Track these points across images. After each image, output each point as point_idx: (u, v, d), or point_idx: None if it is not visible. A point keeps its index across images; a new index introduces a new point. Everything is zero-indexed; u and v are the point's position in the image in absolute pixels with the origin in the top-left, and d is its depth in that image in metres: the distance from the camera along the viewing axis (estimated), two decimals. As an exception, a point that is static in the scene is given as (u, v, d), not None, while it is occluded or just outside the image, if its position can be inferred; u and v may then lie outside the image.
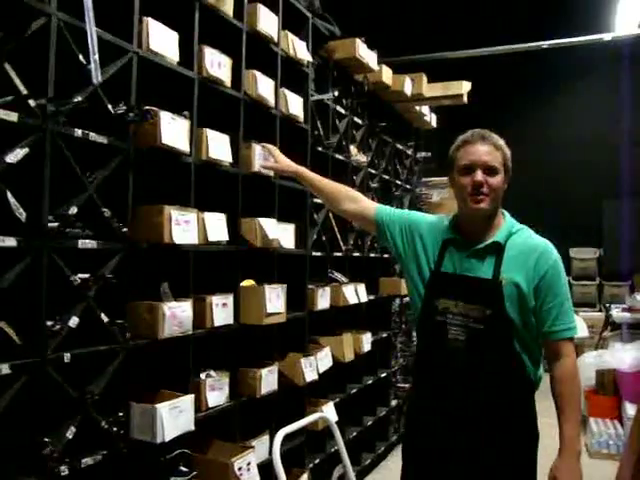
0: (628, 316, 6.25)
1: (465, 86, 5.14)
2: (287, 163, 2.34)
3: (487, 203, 1.87)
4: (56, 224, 1.90)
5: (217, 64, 2.68)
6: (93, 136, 2.04)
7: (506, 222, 1.95)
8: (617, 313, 6.49)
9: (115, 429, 2.09)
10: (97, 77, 1.92)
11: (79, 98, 1.93)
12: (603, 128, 9.44)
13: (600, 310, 8.48)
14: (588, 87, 9.72)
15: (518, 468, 1.90)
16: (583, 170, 9.40)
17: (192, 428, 2.38)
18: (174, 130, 2.33)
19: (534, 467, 1.92)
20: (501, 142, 1.92)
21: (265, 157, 2.74)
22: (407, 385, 5.29)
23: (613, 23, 8.05)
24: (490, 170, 1.87)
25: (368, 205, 2.22)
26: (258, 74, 2.95)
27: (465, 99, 5.19)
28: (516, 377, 1.89)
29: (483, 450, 1.86)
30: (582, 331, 7.77)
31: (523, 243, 1.91)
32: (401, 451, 2.08)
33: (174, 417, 2.26)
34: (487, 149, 1.88)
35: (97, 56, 1.90)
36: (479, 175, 1.86)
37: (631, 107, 9.16)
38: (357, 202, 2.23)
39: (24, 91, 1.79)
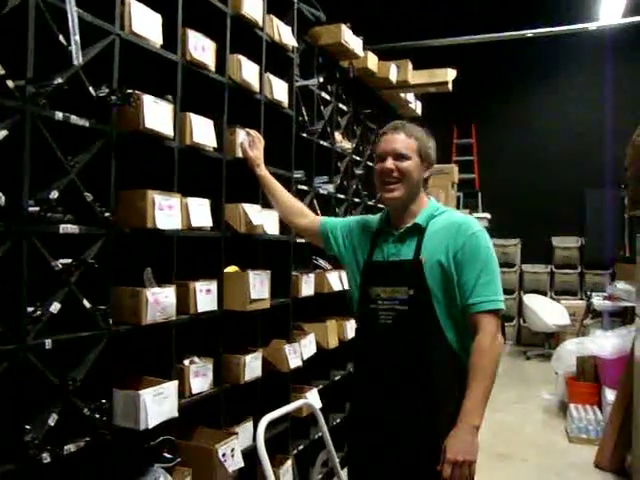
0: (609, 304, 6.33)
1: (450, 74, 5.14)
2: (259, 161, 2.60)
3: (400, 190, 1.98)
4: (37, 209, 1.87)
5: (201, 48, 2.64)
6: (74, 119, 2.00)
7: (429, 207, 2.03)
8: (598, 301, 6.57)
9: (98, 416, 2.07)
10: (78, 59, 1.89)
11: (59, 80, 1.89)
12: (587, 117, 9.51)
13: (582, 298, 8.59)
14: (573, 76, 9.77)
15: (436, 447, 1.86)
16: (566, 159, 9.47)
17: (176, 414, 2.37)
18: (157, 114, 2.30)
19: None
20: (417, 132, 2.02)
21: (246, 140, 2.79)
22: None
23: (597, 13, 8.08)
24: (400, 156, 1.97)
25: (314, 219, 2.42)
26: (243, 59, 2.92)
27: (450, 87, 5.19)
28: (441, 355, 1.92)
29: (407, 417, 1.93)
30: (563, 319, 7.88)
31: (444, 220, 1.98)
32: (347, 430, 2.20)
33: (158, 403, 2.25)
34: (398, 137, 1.99)
35: (78, 37, 1.86)
36: (388, 162, 1.98)
37: (614, 96, 9.23)
38: (306, 217, 2.44)
39: (2, 71, 1.74)
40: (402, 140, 1.98)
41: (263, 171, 2.61)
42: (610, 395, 4.79)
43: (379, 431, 2.00)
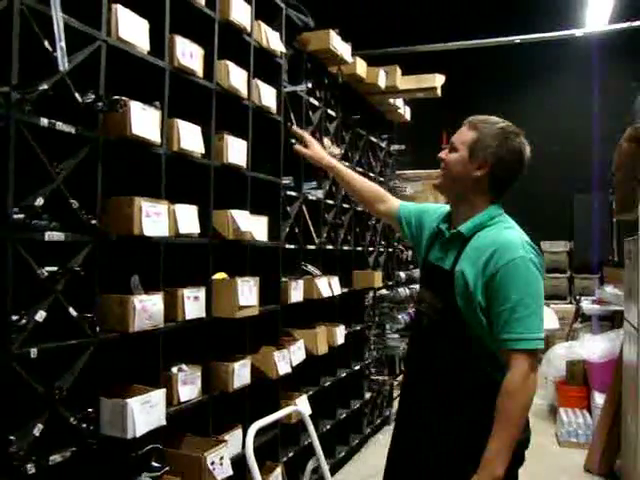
0: (597, 308, 6.36)
1: (439, 79, 5.16)
2: (322, 154, 2.34)
3: (440, 179, 1.90)
4: (22, 216, 1.85)
5: (189, 54, 2.63)
6: (60, 125, 1.98)
7: (484, 214, 1.83)
8: (587, 305, 6.60)
9: (84, 425, 2.04)
10: (64, 65, 1.87)
11: (45, 86, 1.87)
12: (574, 122, 9.57)
13: (571, 302, 8.62)
14: (560, 82, 9.84)
15: (460, 453, 1.80)
16: (555, 164, 9.51)
17: (164, 423, 2.35)
18: (145, 120, 2.29)
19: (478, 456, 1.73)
20: (483, 126, 1.85)
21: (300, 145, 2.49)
22: (381, 378, 5.31)
23: (584, 19, 8.15)
24: (452, 147, 1.88)
25: (393, 204, 2.23)
26: (230, 64, 2.91)
27: (439, 92, 5.20)
28: (468, 371, 1.80)
29: (431, 417, 1.86)
30: (553, 323, 7.89)
31: (487, 237, 1.79)
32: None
33: (145, 412, 2.23)
34: (462, 129, 1.89)
35: (64, 43, 1.84)
36: (442, 152, 1.91)
37: (601, 101, 9.29)
38: (385, 202, 2.25)
39: (-14, 78, 1.73)
40: (461, 132, 1.88)
41: (332, 163, 2.35)
42: (599, 399, 4.80)
43: (409, 429, 1.96)
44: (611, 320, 6.21)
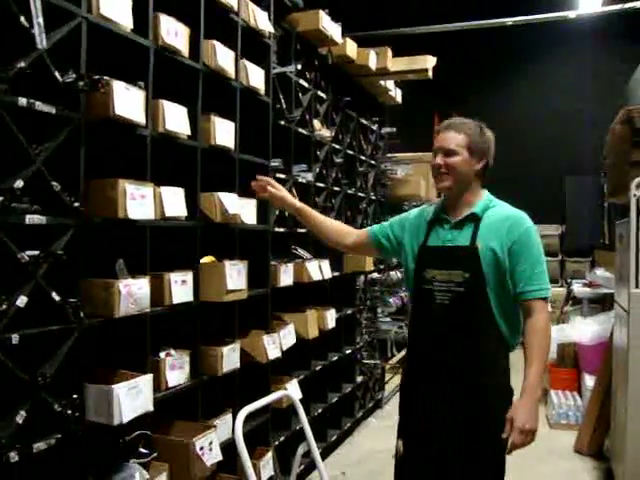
0: (588, 291, 6.38)
1: (430, 61, 5.10)
2: (285, 200, 2.45)
3: (449, 181, 2.14)
4: (0, 198, 1.80)
5: (174, 33, 2.57)
6: (39, 105, 1.92)
7: (484, 199, 2.18)
8: (578, 288, 6.61)
9: (69, 412, 2.01)
10: (42, 42, 1.81)
11: (22, 64, 1.82)
12: (567, 105, 9.53)
13: (562, 285, 8.64)
14: (553, 64, 9.78)
15: (490, 418, 2.07)
16: (546, 147, 9.50)
17: (151, 409, 2.32)
18: (128, 101, 2.23)
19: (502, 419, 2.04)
20: (467, 127, 2.15)
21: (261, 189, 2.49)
22: (373, 361, 5.31)
23: (577, 1, 8.08)
24: (448, 152, 2.13)
25: (360, 233, 2.46)
26: (217, 44, 2.85)
27: (430, 74, 5.14)
28: (490, 335, 2.09)
29: (461, 400, 2.09)
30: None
31: (499, 213, 2.14)
32: (398, 406, 2.32)
33: (132, 398, 2.20)
34: (448, 135, 2.14)
35: (41, 19, 1.78)
36: (437, 159, 2.16)
37: (593, 84, 9.26)
38: (353, 235, 2.46)
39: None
40: (451, 137, 2.13)
41: (297, 204, 2.47)
42: (589, 381, 4.82)
43: (432, 408, 2.15)
44: (602, 303, 6.23)
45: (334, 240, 2.46)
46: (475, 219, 2.14)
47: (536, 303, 2.07)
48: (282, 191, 2.45)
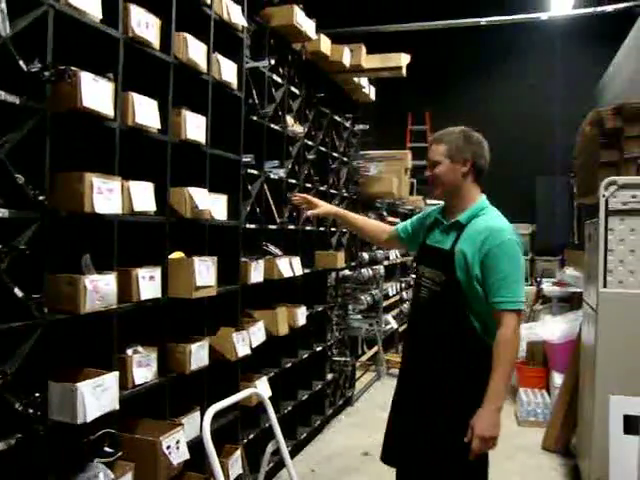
0: (558, 290, 6.45)
1: (404, 58, 5.10)
2: (329, 207, 2.88)
3: (438, 189, 2.34)
4: (-40, 190, 1.75)
5: (144, 24, 2.52)
6: (3, 95, 1.87)
7: (475, 205, 2.30)
8: (547, 287, 6.69)
9: (31, 411, 1.96)
10: (5, 29, 1.76)
11: (-16, 52, 1.76)
12: (538, 105, 9.65)
13: (532, 284, 8.74)
14: (525, 65, 9.90)
15: (447, 409, 2.24)
16: (518, 148, 9.59)
17: (117, 407, 2.27)
18: (96, 92, 2.18)
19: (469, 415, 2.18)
20: (447, 135, 2.32)
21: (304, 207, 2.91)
22: (343, 358, 5.30)
23: (549, 3, 8.18)
24: (433, 164, 2.33)
25: (390, 230, 2.75)
26: (189, 37, 2.80)
27: (404, 72, 5.14)
28: (462, 332, 2.22)
29: (432, 393, 2.27)
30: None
31: (481, 224, 2.24)
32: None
33: (97, 396, 2.15)
34: (432, 147, 2.34)
35: (4, 5, 1.73)
36: (427, 171, 2.38)
37: (565, 85, 9.37)
38: (386, 231, 2.76)
39: None
40: (434, 149, 2.33)
41: (340, 211, 2.91)
42: (558, 379, 4.88)
43: (413, 383, 2.36)
44: (570, 302, 6.31)
45: (373, 238, 2.85)
46: (459, 227, 2.28)
47: (504, 315, 2.16)
48: (321, 206, 2.78)
